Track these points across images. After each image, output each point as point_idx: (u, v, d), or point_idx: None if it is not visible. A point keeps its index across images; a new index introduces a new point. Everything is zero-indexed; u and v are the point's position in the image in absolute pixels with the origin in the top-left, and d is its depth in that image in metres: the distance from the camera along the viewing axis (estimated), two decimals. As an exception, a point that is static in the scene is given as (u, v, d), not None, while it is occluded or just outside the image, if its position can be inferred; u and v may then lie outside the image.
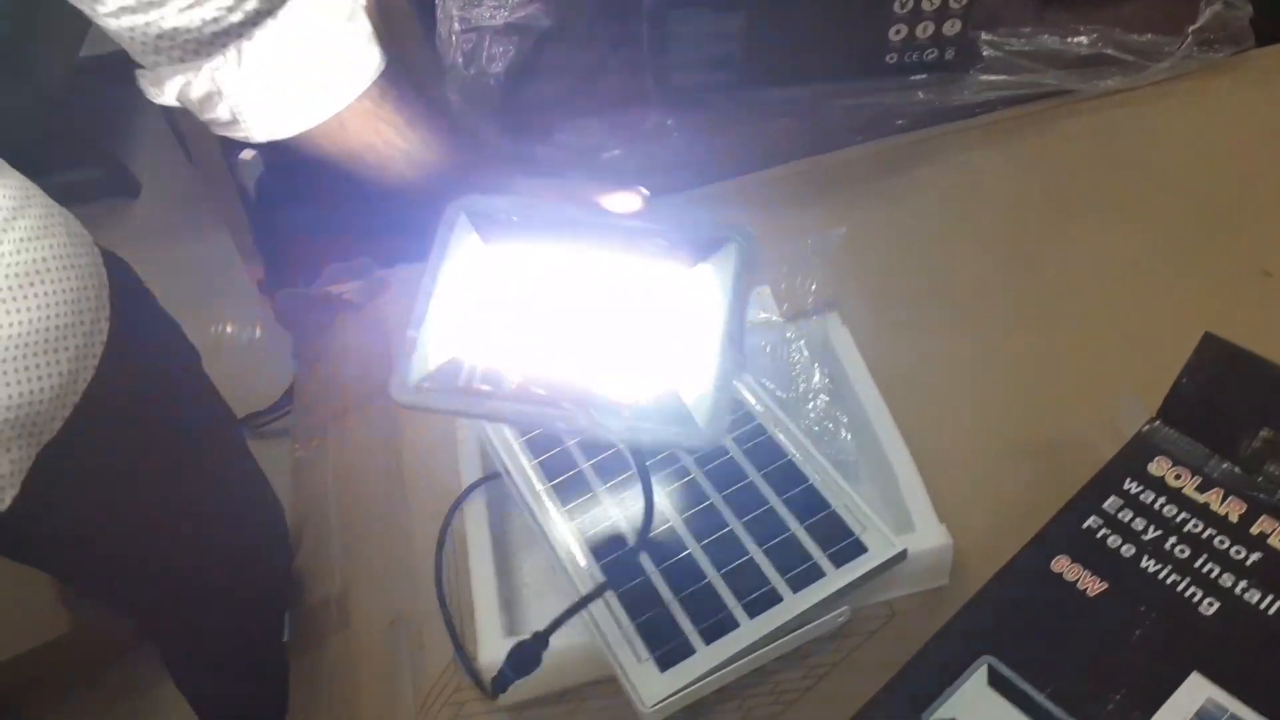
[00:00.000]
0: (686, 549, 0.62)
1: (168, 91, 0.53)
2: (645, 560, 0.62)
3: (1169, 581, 0.53)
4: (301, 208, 1.37)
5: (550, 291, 0.52)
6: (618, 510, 0.64)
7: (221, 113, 0.54)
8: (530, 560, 0.70)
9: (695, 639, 0.58)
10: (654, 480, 0.65)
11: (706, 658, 0.57)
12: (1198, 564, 0.54)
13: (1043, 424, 0.73)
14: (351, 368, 0.90)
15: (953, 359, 0.79)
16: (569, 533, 0.64)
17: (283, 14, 0.52)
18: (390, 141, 0.58)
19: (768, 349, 0.76)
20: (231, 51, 0.52)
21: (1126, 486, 0.58)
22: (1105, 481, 0.58)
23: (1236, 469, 0.57)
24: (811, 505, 0.63)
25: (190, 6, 0.51)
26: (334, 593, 0.75)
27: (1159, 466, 0.58)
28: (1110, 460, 0.59)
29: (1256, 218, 0.86)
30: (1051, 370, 0.76)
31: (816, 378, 0.74)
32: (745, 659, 0.58)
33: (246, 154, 1.46)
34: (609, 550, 0.62)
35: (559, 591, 0.63)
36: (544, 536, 0.64)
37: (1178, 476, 0.57)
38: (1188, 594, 0.53)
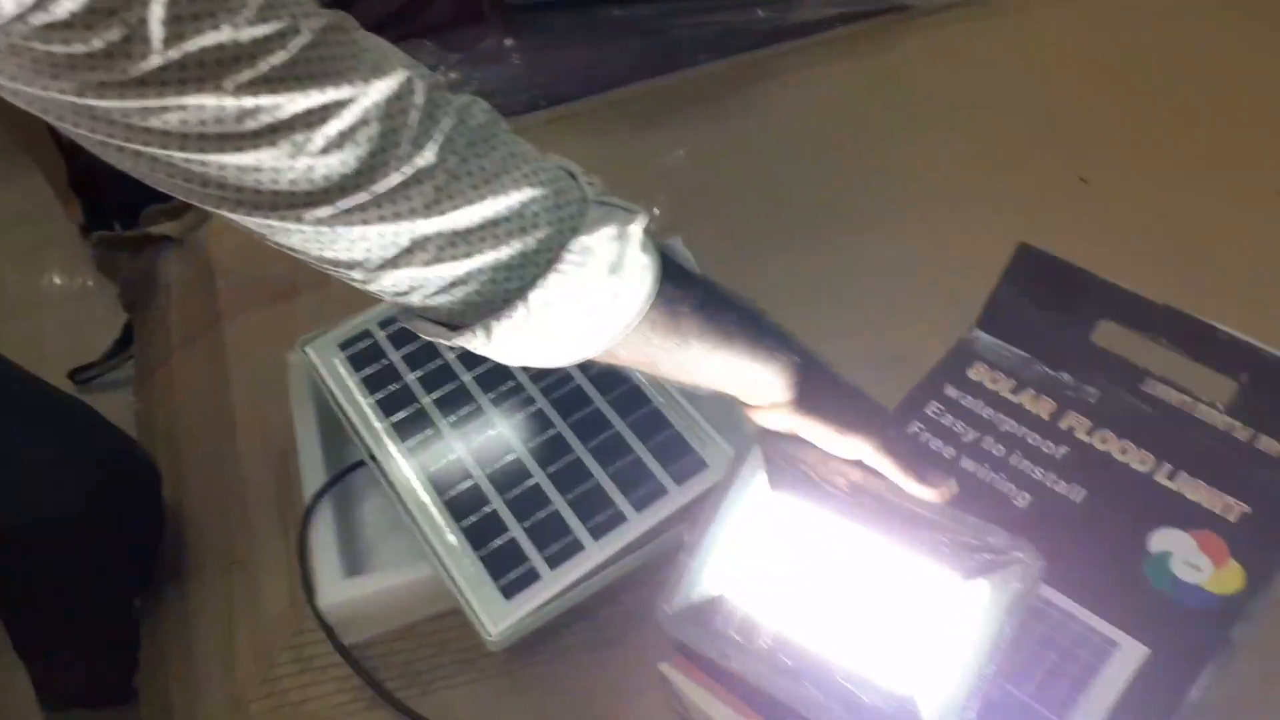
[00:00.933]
0: (532, 478, 0.62)
1: None
2: (490, 492, 0.61)
3: (986, 479, 0.56)
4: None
5: (822, 556, 0.50)
6: (461, 444, 0.63)
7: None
8: (371, 499, 0.68)
9: (541, 565, 0.58)
10: (499, 410, 0.65)
11: (552, 582, 0.57)
12: (1012, 460, 0.56)
13: (880, 334, 0.75)
14: (175, 309, 0.86)
15: (792, 275, 0.80)
16: (409, 470, 0.62)
17: (535, 296, 0.41)
18: (671, 361, 0.48)
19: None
20: (480, 332, 0.42)
21: (947, 392, 0.60)
22: (928, 387, 0.60)
23: (1048, 370, 0.60)
24: (655, 427, 0.63)
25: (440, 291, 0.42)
26: (167, 542, 0.72)
27: (977, 371, 0.60)
28: (933, 367, 0.61)
29: (1077, 128, 0.89)
30: (888, 281, 0.78)
31: (659, 300, 0.74)
32: (591, 580, 0.58)
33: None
34: (451, 484, 0.61)
35: (401, 530, 0.62)
36: (382, 475, 0.63)
37: (994, 380, 0.60)
38: (1003, 489, 0.55)
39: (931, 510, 0.49)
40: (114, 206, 1.31)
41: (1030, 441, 0.57)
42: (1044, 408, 0.58)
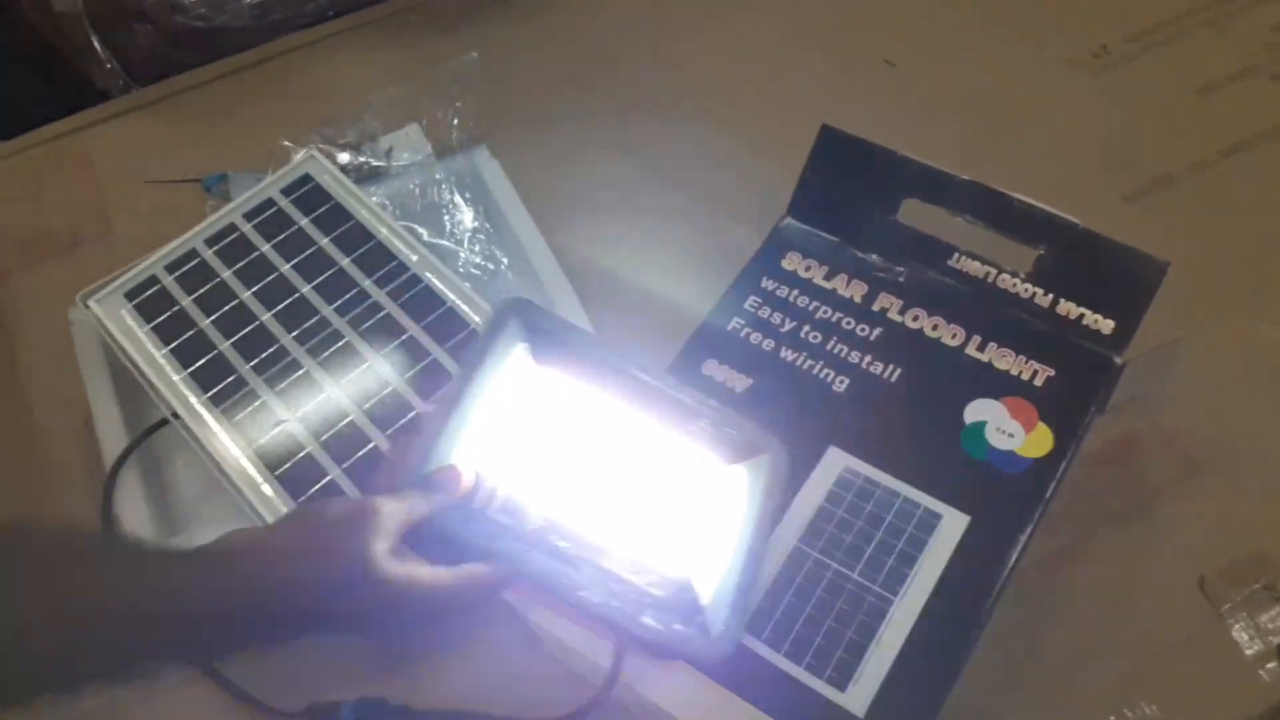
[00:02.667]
0: (349, 415, 0.59)
1: None
2: (303, 435, 0.58)
3: (805, 366, 0.56)
4: None
5: (590, 438, 0.49)
6: (266, 389, 0.60)
7: None
8: (180, 458, 0.63)
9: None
10: (304, 348, 0.61)
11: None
12: (829, 346, 0.57)
13: (699, 229, 0.73)
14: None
15: (605, 178, 0.77)
16: (215, 423, 0.58)
17: None
18: None
19: (418, 192, 0.72)
20: None
21: (764, 284, 0.60)
22: (745, 282, 0.60)
23: (858, 253, 0.60)
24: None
25: None
26: None
27: (791, 261, 0.60)
28: (749, 261, 0.61)
29: (882, 11, 0.89)
30: (701, 175, 0.77)
31: (471, 218, 0.71)
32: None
33: None
34: (261, 432, 0.58)
35: (218, 488, 0.58)
36: (188, 432, 0.58)
37: (808, 269, 0.60)
38: (823, 375, 0.56)
39: (692, 398, 0.50)
40: None
41: (845, 326, 0.58)
42: (856, 291, 0.59)
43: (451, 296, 0.63)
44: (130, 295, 0.64)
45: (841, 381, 0.56)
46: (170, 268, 0.65)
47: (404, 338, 0.62)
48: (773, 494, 0.49)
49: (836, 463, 0.53)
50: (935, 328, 0.58)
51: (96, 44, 0.95)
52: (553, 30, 0.88)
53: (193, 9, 0.86)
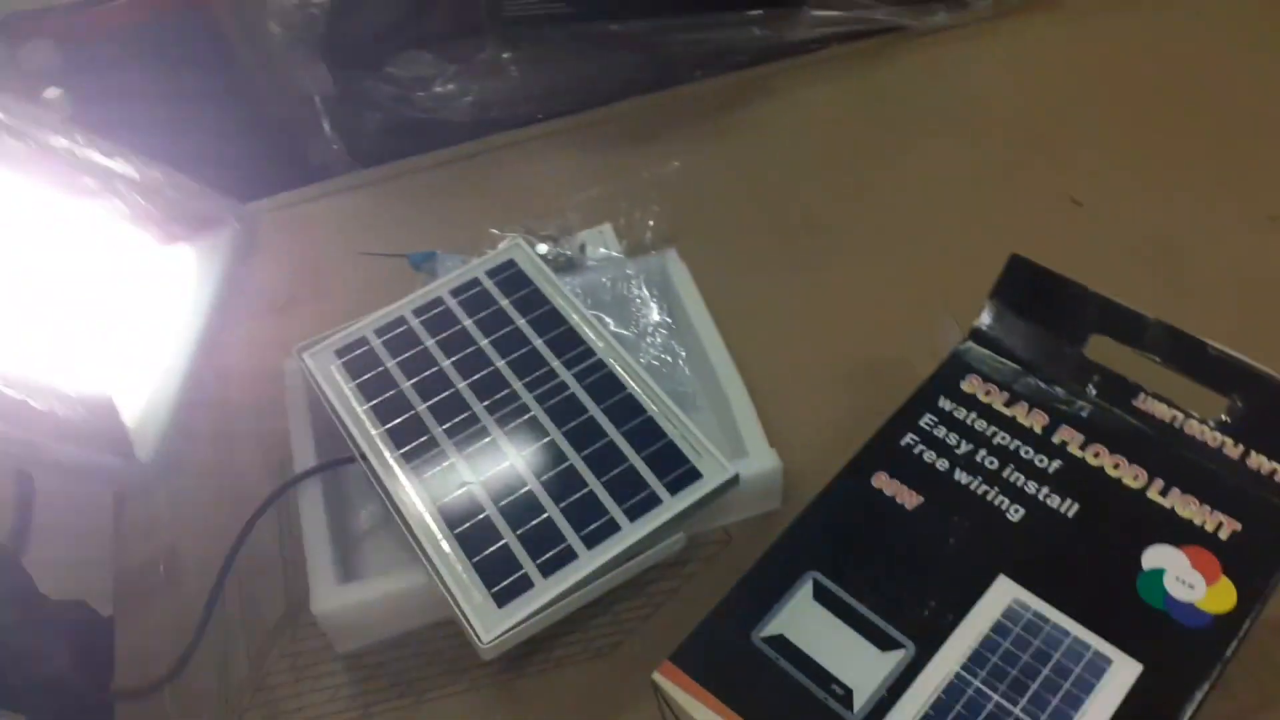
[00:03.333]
0: (526, 486, 0.62)
1: None
2: (484, 499, 0.61)
3: (979, 491, 0.56)
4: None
5: None
6: (455, 452, 0.63)
7: None
8: (364, 505, 0.68)
9: (534, 573, 0.58)
10: (493, 418, 0.65)
11: (544, 591, 0.57)
12: (1005, 474, 0.57)
13: (869, 348, 0.75)
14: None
15: (785, 290, 0.80)
16: (404, 476, 0.62)
17: None
18: None
19: (609, 285, 0.76)
20: None
21: (940, 404, 0.60)
22: (921, 400, 0.61)
23: (1040, 383, 0.60)
24: (649, 436, 0.63)
25: None
26: (161, 551, 0.72)
27: (970, 384, 0.61)
28: (926, 380, 0.62)
29: (1069, 149, 0.90)
30: (877, 296, 0.79)
31: (655, 313, 0.75)
32: (584, 590, 0.58)
33: (50, 92, 1.35)
34: (445, 491, 0.61)
35: (394, 536, 0.62)
36: (376, 480, 0.63)
37: (987, 393, 0.60)
38: (996, 502, 0.56)
39: (122, 163, 0.38)
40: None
41: (1023, 455, 0.58)
42: (1037, 421, 0.59)
43: (630, 383, 0.66)
44: (340, 353, 0.69)
45: (1016, 510, 0.56)
46: (379, 331, 0.70)
47: (583, 418, 0.65)
48: (227, 277, 0.35)
49: (1006, 593, 0.53)
50: (1117, 466, 0.57)
51: (326, 126, 1.05)
52: (747, 149, 0.93)
53: (420, 103, 0.94)
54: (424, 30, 0.97)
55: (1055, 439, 0.58)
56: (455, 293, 0.72)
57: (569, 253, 0.79)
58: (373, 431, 0.65)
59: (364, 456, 0.64)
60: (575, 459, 0.63)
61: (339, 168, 1.04)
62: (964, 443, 0.58)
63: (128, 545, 0.74)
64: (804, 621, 0.53)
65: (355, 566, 0.64)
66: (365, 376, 0.68)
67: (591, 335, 0.69)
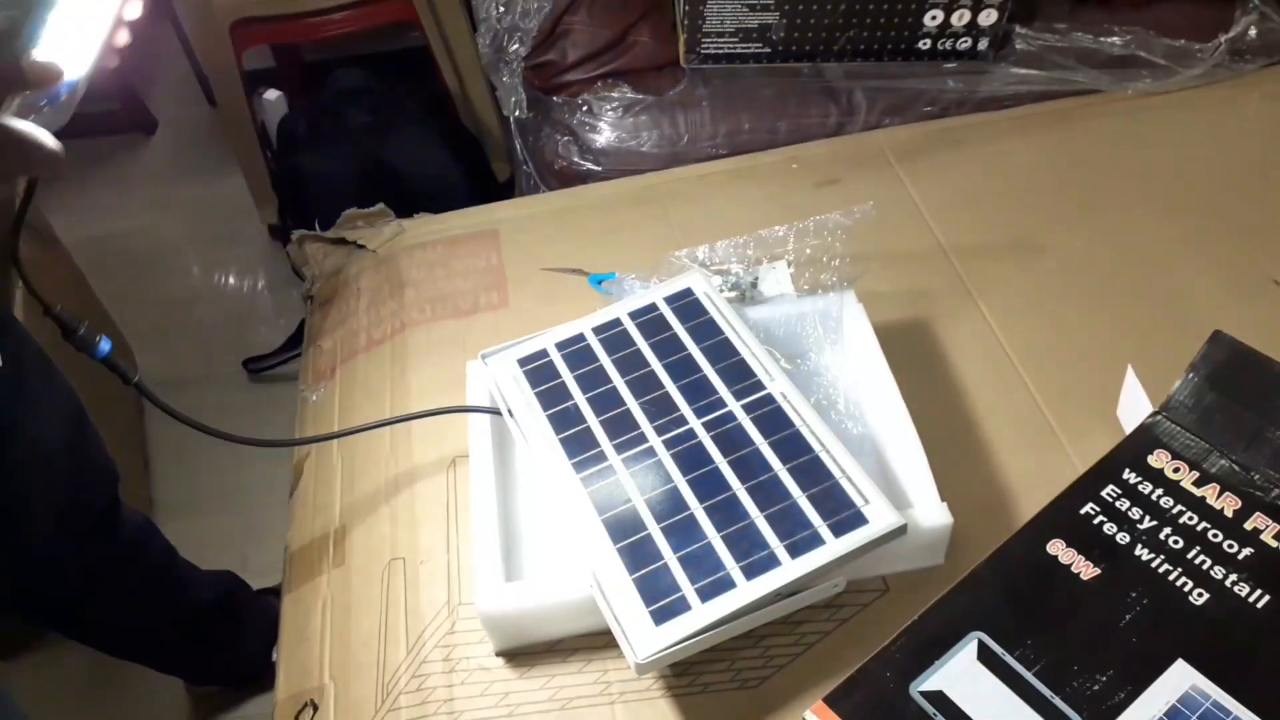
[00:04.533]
0: (689, 509, 0.63)
1: None
2: (647, 517, 0.62)
3: (1161, 570, 0.54)
4: (322, 151, 1.37)
5: None
6: (623, 468, 0.65)
7: None
8: (530, 506, 0.70)
9: (692, 596, 0.58)
10: (661, 439, 0.66)
11: (701, 615, 0.58)
12: (1190, 555, 0.54)
13: (1050, 410, 0.73)
14: (365, 313, 0.91)
15: (966, 340, 0.79)
16: (574, 485, 0.64)
17: None
18: None
19: (782, 320, 0.77)
20: None
21: (1125, 476, 0.58)
22: (1105, 470, 0.59)
23: (1235, 465, 0.58)
24: (815, 475, 0.64)
25: None
26: (333, 530, 0.76)
27: (1159, 459, 0.59)
28: (1112, 450, 0.60)
29: (1272, 229, 0.86)
30: (1061, 358, 0.77)
31: (829, 352, 0.75)
32: (739, 620, 0.59)
33: (270, 93, 1.46)
34: (611, 505, 0.63)
35: (561, 542, 0.64)
36: (549, 489, 0.65)
37: (1176, 470, 0.58)
38: (1179, 583, 0.54)
39: None
40: (308, 212, 1.40)
41: (1212, 538, 0.55)
42: (1228, 504, 0.56)
43: (799, 420, 0.67)
44: (522, 362, 0.72)
45: (1200, 595, 0.53)
46: (560, 345, 0.73)
47: (749, 450, 0.66)
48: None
49: (1184, 679, 0.50)
50: (1315, 563, 0.54)
51: (519, 146, 1.10)
52: (930, 196, 0.92)
53: (611, 131, 0.98)
54: (626, 61, 1.01)
55: (1248, 525, 0.55)
56: (634, 315, 0.74)
57: (745, 286, 0.80)
58: (548, 439, 0.67)
59: (537, 461, 0.66)
60: (739, 489, 0.63)
61: (528, 186, 1.08)
62: (1148, 518, 0.56)
63: (300, 524, 0.79)
64: (966, 681, 0.52)
65: (518, 569, 0.66)
66: (544, 386, 0.70)
67: (763, 369, 0.70)
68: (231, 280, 1.84)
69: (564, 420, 0.68)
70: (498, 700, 0.63)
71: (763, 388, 0.69)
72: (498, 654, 0.65)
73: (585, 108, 1.00)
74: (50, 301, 0.63)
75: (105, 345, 0.64)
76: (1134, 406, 0.64)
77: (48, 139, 0.48)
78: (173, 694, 1.29)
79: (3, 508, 0.80)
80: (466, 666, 0.65)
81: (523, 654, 0.65)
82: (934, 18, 0.97)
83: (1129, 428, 0.63)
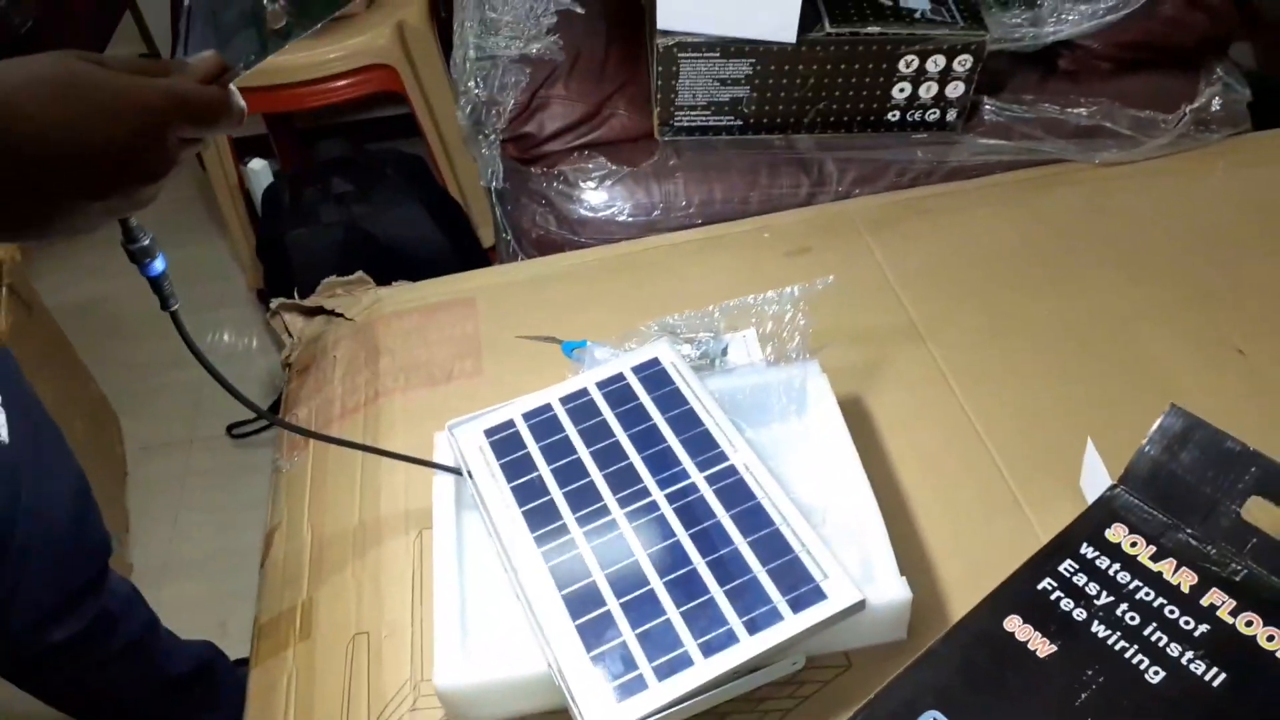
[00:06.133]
0: (648, 584, 0.63)
1: None
2: (607, 592, 0.62)
3: (1118, 648, 0.54)
4: (305, 220, 1.39)
5: None
6: (584, 541, 0.65)
7: None
8: (492, 577, 0.69)
9: (649, 675, 0.58)
10: (624, 511, 0.66)
11: (658, 694, 0.57)
12: (1147, 632, 0.54)
13: (1013, 482, 0.73)
14: (340, 382, 0.91)
15: (928, 412, 0.80)
16: (533, 560, 0.64)
17: None
18: None
19: (748, 390, 0.77)
20: None
21: (1083, 550, 0.58)
22: (1063, 544, 0.59)
23: (1191, 539, 0.58)
24: (775, 549, 0.63)
25: None
26: (300, 603, 0.76)
27: (1116, 533, 0.59)
28: (1070, 524, 0.60)
29: (1236, 297, 0.87)
30: (1026, 428, 0.77)
31: (793, 422, 0.75)
32: (699, 698, 0.58)
33: (255, 163, 1.48)
34: (572, 579, 0.63)
35: (520, 618, 0.64)
36: (508, 562, 0.65)
37: (1134, 544, 0.58)
38: (1135, 661, 0.53)
39: None
40: (291, 279, 1.42)
41: (1168, 614, 0.55)
42: (1185, 579, 0.56)
43: (760, 492, 0.67)
44: (489, 433, 0.73)
45: (1156, 673, 0.53)
46: (527, 416, 0.73)
47: (710, 523, 0.66)
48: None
49: (1139, 758, 0.50)
50: (1271, 639, 0.53)
51: (497, 214, 1.12)
52: (897, 265, 0.93)
53: (587, 201, 0.99)
54: (603, 133, 1.03)
55: (1204, 601, 0.55)
56: (601, 385, 0.75)
57: (715, 354, 0.81)
58: (510, 512, 0.67)
59: (498, 539, 0.66)
60: (699, 563, 0.63)
61: (506, 254, 1.10)
62: (1105, 594, 0.56)
63: (268, 595, 0.79)
64: (920, 761, 0.51)
65: (479, 644, 0.66)
66: (510, 457, 0.71)
67: (726, 440, 0.70)
68: (220, 342, 1.85)
69: (528, 492, 0.68)
70: (457, 779, 0.63)
71: (726, 459, 0.69)
72: (459, 730, 0.64)
73: (562, 178, 1.02)
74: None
75: (160, 264, 0.57)
76: (1095, 478, 0.64)
77: (239, 98, 0.47)
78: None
79: (5, 577, 0.81)
80: (427, 744, 0.64)
81: (485, 731, 0.64)
82: (902, 90, 0.99)
83: (1090, 499, 0.63)
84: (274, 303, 1.01)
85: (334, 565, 0.77)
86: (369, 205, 1.32)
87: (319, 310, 1.00)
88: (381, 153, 1.49)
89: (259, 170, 1.49)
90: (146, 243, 0.55)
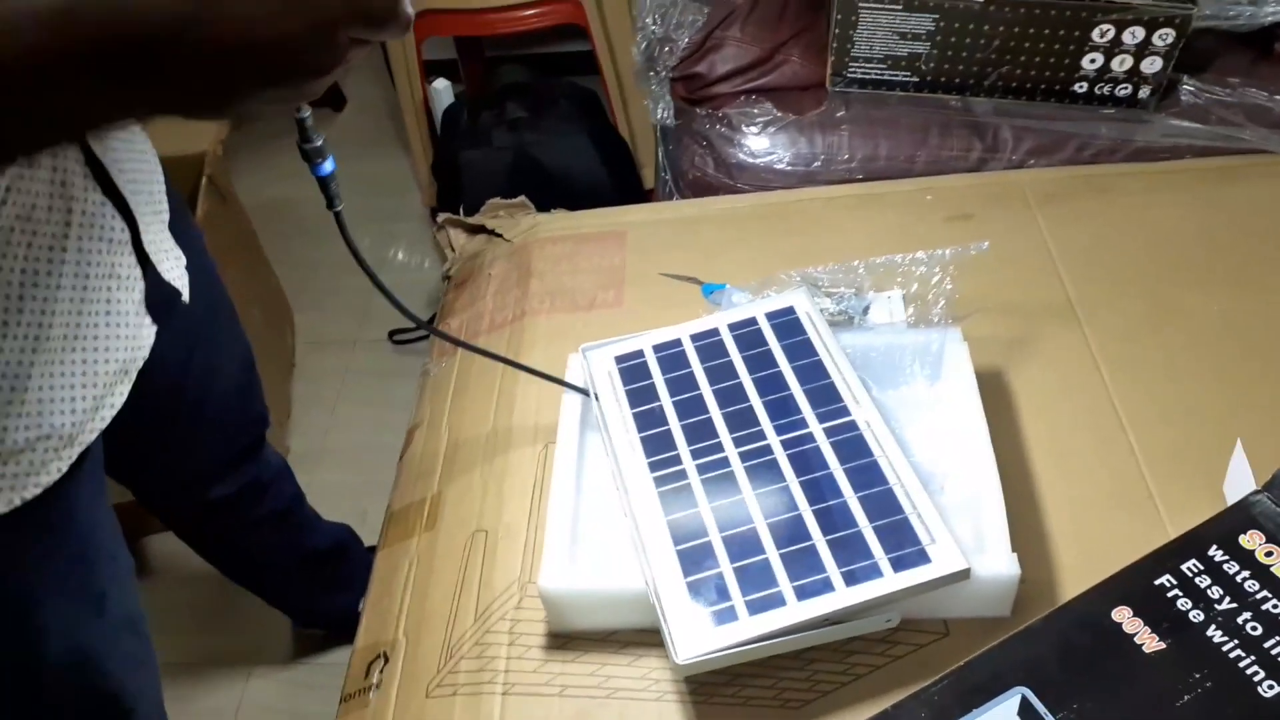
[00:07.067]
0: (752, 523, 0.63)
1: None
2: (710, 524, 0.63)
3: (1233, 655, 0.51)
4: (479, 142, 1.43)
5: None
6: (695, 473, 0.66)
7: None
8: (606, 496, 0.72)
9: (740, 608, 0.59)
10: (738, 451, 0.67)
11: (747, 627, 0.58)
12: (1268, 644, 0.51)
13: (1150, 477, 0.70)
14: (491, 298, 0.95)
15: (1072, 395, 0.76)
16: (645, 484, 0.66)
17: None
18: None
19: (883, 350, 0.76)
20: None
21: (1211, 552, 0.55)
22: (1190, 543, 0.56)
23: (1334, 559, 0.54)
24: (885, 507, 0.63)
25: None
26: (430, 496, 0.81)
27: (1251, 539, 0.56)
28: (1203, 523, 0.57)
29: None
30: (1173, 424, 0.73)
31: (924, 387, 0.74)
32: (787, 639, 0.59)
33: (439, 83, 1.53)
34: (678, 507, 0.65)
35: (624, 532, 0.66)
36: (621, 484, 0.67)
37: (1269, 554, 0.55)
38: (1249, 671, 0.51)
39: None
40: (461, 197, 1.48)
41: (1294, 630, 0.52)
42: (1319, 598, 0.53)
43: (878, 450, 0.66)
44: (619, 359, 0.75)
45: (1271, 687, 0.50)
46: (657, 348, 0.75)
47: (822, 473, 0.66)
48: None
49: (1236, 769, 0.48)
50: None
51: (660, 154, 1.13)
52: (1063, 242, 0.89)
53: (750, 146, 0.99)
54: (774, 80, 1.02)
55: (1339, 624, 0.52)
56: (733, 327, 0.76)
57: (857, 312, 0.80)
58: (629, 436, 0.69)
59: (615, 462, 0.68)
60: (805, 510, 0.64)
61: (663, 195, 1.11)
62: (1228, 599, 0.54)
63: (403, 486, 0.84)
64: (1000, 734, 0.50)
65: (586, 554, 0.69)
66: (635, 385, 0.73)
67: (851, 395, 0.70)
68: (393, 254, 1.95)
69: (648, 420, 0.70)
70: (549, 679, 0.66)
71: (848, 413, 0.69)
72: (556, 635, 0.67)
73: (726, 121, 1.02)
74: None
75: (330, 165, 0.60)
76: (1239, 482, 0.61)
77: (408, 6, 0.48)
78: (281, 631, 1.38)
79: (169, 429, 0.89)
80: (526, 643, 0.68)
81: (580, 639, 0.67)
82: (1093, 60, 0.93)
83: (1231, 503, 0.60)
84: (440, 217, 1.06)
85: (464, 465, 0.81)
86: (539, 133, 1.36)
87: (481, 229, 1.04)
88: (558, 83, 1.52)
89: (442, 90, 1.54)
90: (319, 143, 0.59)
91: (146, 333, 0.72)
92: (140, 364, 0.71)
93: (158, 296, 0.72)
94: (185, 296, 0.76)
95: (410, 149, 1.87)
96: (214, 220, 1.27)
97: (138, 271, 0.70)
